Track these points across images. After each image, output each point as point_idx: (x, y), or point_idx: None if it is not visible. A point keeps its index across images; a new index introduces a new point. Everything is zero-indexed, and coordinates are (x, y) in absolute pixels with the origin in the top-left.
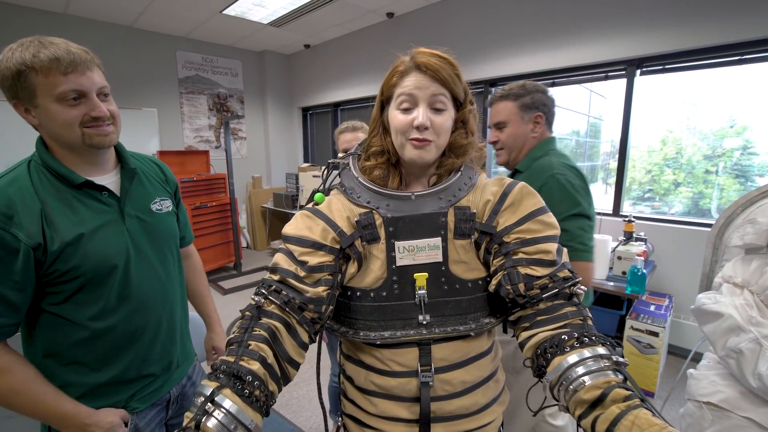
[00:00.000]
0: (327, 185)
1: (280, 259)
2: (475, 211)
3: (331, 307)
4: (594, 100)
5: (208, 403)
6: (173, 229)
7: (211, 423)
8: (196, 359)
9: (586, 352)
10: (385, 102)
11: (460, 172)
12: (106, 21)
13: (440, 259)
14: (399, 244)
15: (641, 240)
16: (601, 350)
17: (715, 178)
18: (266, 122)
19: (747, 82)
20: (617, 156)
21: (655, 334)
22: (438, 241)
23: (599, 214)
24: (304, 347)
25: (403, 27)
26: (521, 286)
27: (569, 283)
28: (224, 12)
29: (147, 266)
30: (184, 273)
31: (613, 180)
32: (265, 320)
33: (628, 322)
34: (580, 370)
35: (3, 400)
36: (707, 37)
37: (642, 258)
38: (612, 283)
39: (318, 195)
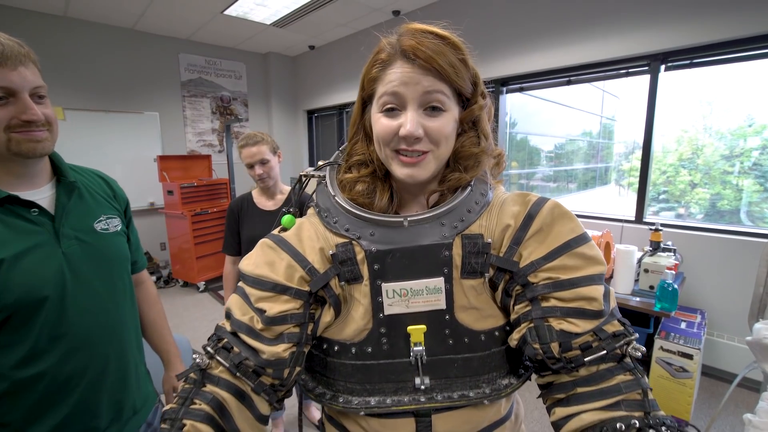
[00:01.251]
0: (297, 204)
1: (234, 305)
2: (490, 240)
3: (297, 369)
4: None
5: None
6: (123, 251)
7: None
8: (159, 402)
9: None
10: (366, 99)
11: (470, 188)
12: (107, 23)
13: (443, 305)
14: (387, 287)
15: (669, 250)
16: None
17: (735, 178)
18: (271, 125)
19: (766, 78)
20: (630, 157)
21: (689, 356)
22: (440, 282)
23: (619, 221)
24: (263, 420)
25: (421, 21)
26: (555, 347)
27: (621, 342)
28: (225, 12)
29: (89, 296)
30: (137, 303)
31: (626, 182)
32: (210, 388)
33: (657, 342)
34: None
35: None
36: (740, 28)
37: (673, 272)
38: (637, 299)
39: (286, 218)
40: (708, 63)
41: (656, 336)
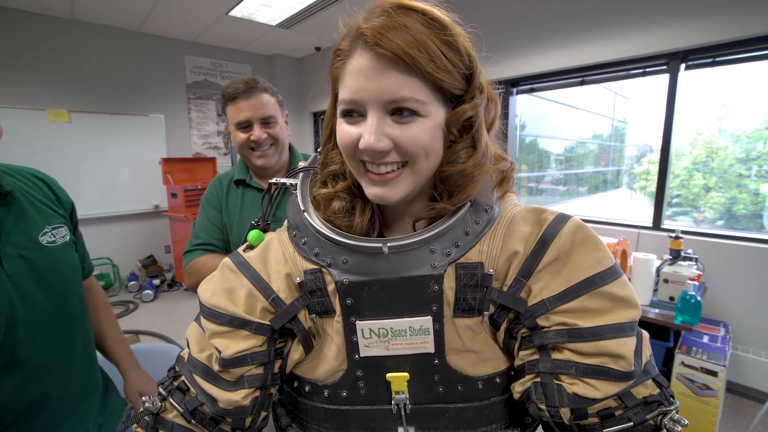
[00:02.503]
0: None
1: (192, 337)
2: (491, 270)
3: (263, 414)
4: (618, 102)
5: None
6: (73, 263)
7: None
8: (127, 408)
9: None
10: (336, 98)
11: (469, 203)
12: (112, 26)
13: (431, 349)
14: (363, 326)
15: (690, 259)
16: None
17: (752, 182)
18: None
19: None
20: (642, 160)
21: (714, 374)
22: (427, 321)
23: (635, 227)
24: None
25: None
26: (565, 412)
27: (655, 412)
28: (230, 14)
29: (40, 318)
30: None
31: (638, 185)
32: None
33: (678, 357)
34: None
35: None
36: (766, 24)
37: (696, 283)
38: (656, 310)
39: (253, 233)
40: (732, 61)
41: (677, 350)
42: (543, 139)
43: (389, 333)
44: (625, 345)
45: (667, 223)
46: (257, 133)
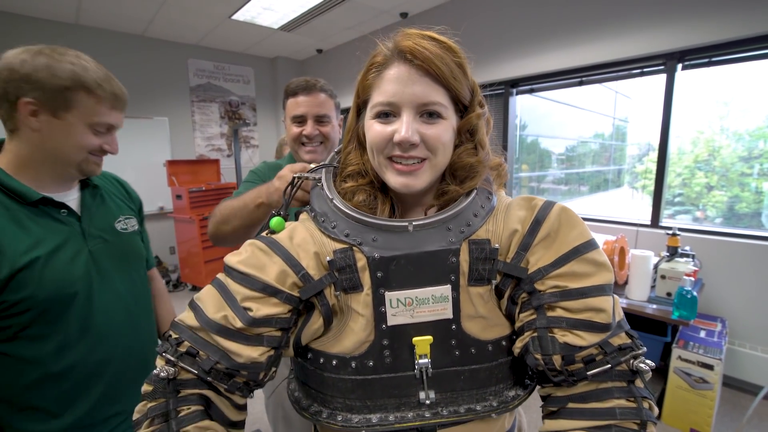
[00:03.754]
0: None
1: (208, 299)
2: (497, 245)
3: (273, 369)
4: (619, 101)
5: None
6: (140, 249)
7: None
8: None
9: None
10: (361, 106)
11: (475, 191)
12: (117, 30)
13: (450, 315)
14: (391, 296)
15: (688, 256)
16: None
17: (754, 181)
18: (279, 130)
19: None
20: (644, 159)
21: (710, 367)
22: (447, 290)
23: (634, 225)
24: (242, 409)
25: (418, 27)
26: (557, 359)
27: (628, 356)
28: (233, 17)
29: (112, 291)
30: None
31: (640, 184)
32: (186, 391)
33: (675, 351)
34: None
35: None
36: (761, 24)
37: (692, 278)
38: (654, 306)
39: (275, 220)
40: (728, 61)
41: (674, 345)
42: (544, 139)
43: (414, 301)
44: (606, 302)
45: (665, 221)
46: (309, 128)
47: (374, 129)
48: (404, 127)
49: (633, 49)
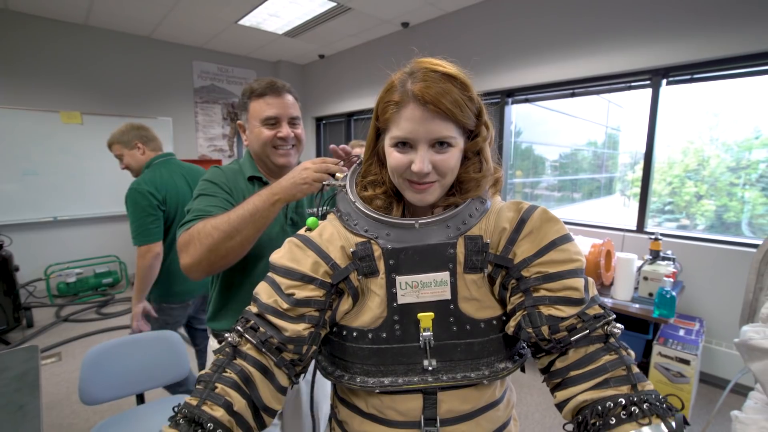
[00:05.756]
0: (322, 209)
1: (262, 290)
2: (488, 240)
3: (314, 348)
4: (611, 110)
5: None
6: None
7: None
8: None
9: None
10: (381, 129)
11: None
12: (125, 32)
13: (448, 296)
14: (401, 280)
15: (669, 259)
16: (663, 428)
17: (741, 190)
18: None
19: None
20: (637, 167)
21: (686, 362)
22: (446, 275)
23: (620, 230)
24: (283, 391)
25: (418, 36)
26: (545, 330)
27: (602, 322)
28: (239, 22)
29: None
30: None
31: (631, 192)
32: (239, 362)
33: (656, 348)
34: None
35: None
36: (739, 45)
37: (671, 279)
38: (637, 305)
39: (311, 219)
40: (709, 78)
41: (655, 342)
42: (538, 146)
43: (419, 285)
44: (579, 282)
45: (650, 227)
46: (286, 130)
47: (394, 156)
48: (418, 161)
49: (621, 64)
